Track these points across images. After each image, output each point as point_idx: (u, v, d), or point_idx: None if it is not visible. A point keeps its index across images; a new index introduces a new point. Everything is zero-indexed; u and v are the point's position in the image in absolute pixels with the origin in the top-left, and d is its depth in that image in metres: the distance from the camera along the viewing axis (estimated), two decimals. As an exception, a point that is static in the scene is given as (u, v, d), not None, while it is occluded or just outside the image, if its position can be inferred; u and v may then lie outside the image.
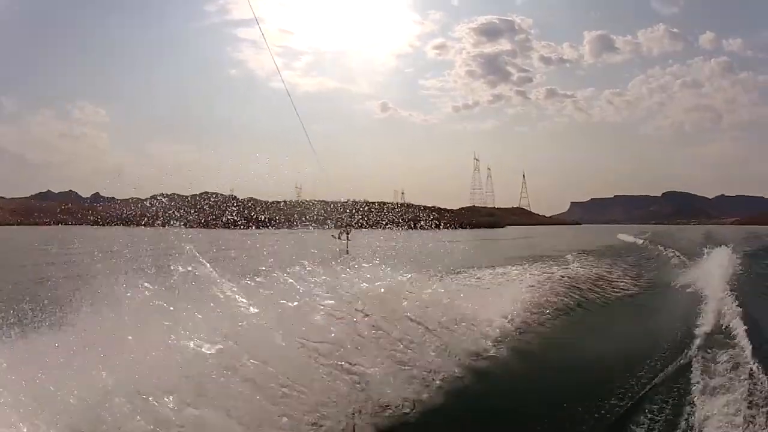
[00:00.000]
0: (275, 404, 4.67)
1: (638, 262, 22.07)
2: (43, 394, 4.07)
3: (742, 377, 6.40)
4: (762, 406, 5.51)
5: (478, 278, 13.58)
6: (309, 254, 8.02)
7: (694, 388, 6.29)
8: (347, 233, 13.98)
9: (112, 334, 4.99)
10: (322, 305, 6.27)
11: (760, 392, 5.85)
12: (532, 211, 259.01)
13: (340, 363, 5.45)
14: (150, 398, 4.20)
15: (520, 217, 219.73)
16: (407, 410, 5.37)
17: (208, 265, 6.31)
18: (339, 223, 14.03)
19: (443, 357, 6.46)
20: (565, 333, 8.95)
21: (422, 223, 14.35)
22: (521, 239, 57.33)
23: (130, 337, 4.87)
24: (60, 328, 5.53)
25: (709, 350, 7.58)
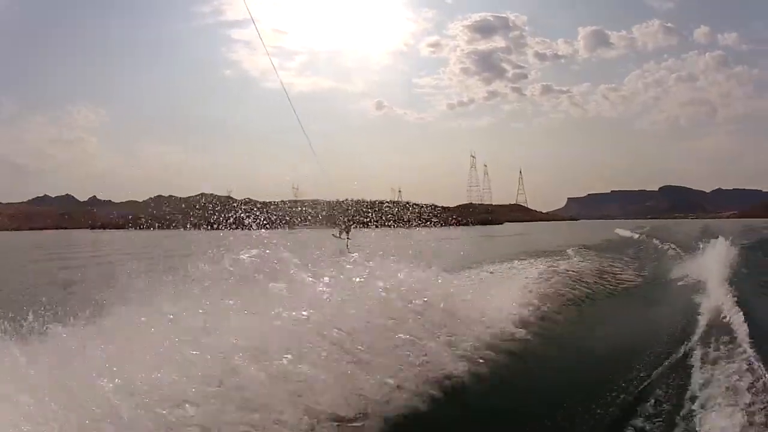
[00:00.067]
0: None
1: (637, 255, 22.20)
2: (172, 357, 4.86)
3: (741, 369, 6.43)
4: (761, 397, 5.55)
5: (484, 273, 13.60)
6: (313, 253, 8.10)
7: (693, 380, 6.34)
8: (347, 232, 14.00)
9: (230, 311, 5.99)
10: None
11: (759, 383, 5.89)
12: (529, 207, 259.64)
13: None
14: (273, 358, 5.16)
15: (517, 213, 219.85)
16: (407, 409, 5.35)
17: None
18: (338, 222, 14.06)
19: (443, 356, 6.47)
20: (565, 328, 8.98)
21: (421, 220, 14.36)
22: (521, 235, 57.50)
23: (245, 312, 5.98)
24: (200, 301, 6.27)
25: (708, 343, 7.62)
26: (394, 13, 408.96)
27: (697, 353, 7.27)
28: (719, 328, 8.30)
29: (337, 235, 14.26)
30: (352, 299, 6.76)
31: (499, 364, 6.68)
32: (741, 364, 6.62)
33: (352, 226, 14.27)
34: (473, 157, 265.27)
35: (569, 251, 21.14)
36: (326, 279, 7.24)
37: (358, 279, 7.46)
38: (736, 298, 9.57)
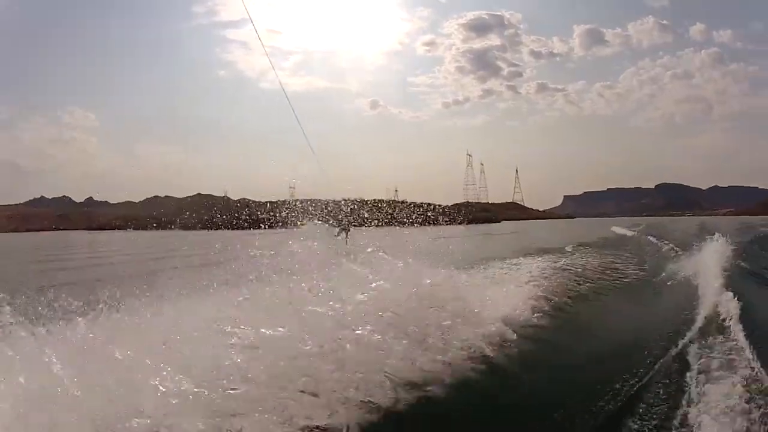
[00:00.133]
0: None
1: (634, 253, 22.24)
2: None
3: (738, 366, 6.49)
4: (758, 394, 5.58)
5: (484, 272, 13.65)
6: (313, 253, 8.14)
7: (690, 378, 6.36)
8: (346, 232, 14.02)
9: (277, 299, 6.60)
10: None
11: (757, 380, 5.93)
12: (525, 205, 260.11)
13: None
14: (324, 346, 5.55)
15: (514, 211, 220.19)
16: (406, 408, 5.34)
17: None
18: (336, 222, 14.05)
19: (443, 355, 6.47)
20: (563, 325, 8.96)
21: (419, 219, 14.36)
22: (519, 233, 57.53)
23: (290, 304, 6.42)
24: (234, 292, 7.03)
25: (705, 340, 7.67)
26: (389, 13, 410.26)
27: (695, 350, 7.30)
28: (716, 326, 8.35)
29: (336, 235, 14.29)
30: (353, 299, 6.78)
31: (498, 363, 6.68)
32: (739, 360, 6.67)
33: (352, 226, 14.27)
34: (469, 155, 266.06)
35: (567, 248, 21.24)
36: (325, 280, 7.26)
37: (358, 280, 7.46)
38: (733, 295, 9.60)
